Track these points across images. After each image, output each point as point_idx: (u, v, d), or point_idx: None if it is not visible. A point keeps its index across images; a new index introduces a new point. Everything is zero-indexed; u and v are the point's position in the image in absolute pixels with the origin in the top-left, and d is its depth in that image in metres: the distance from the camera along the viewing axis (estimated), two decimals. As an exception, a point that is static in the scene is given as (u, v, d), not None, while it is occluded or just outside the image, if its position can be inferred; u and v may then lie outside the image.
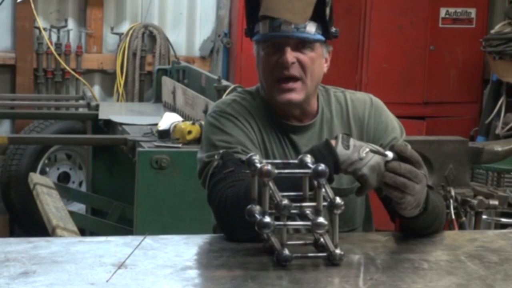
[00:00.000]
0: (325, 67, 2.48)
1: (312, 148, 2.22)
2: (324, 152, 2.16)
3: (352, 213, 2.48)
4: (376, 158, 2.14)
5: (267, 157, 2.42)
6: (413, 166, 2.10)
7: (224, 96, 4.78)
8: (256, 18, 2.40)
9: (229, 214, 2.23)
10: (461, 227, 4.10)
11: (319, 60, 2.43)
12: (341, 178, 2.45)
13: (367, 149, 2.14)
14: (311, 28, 2.37)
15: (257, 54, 2.45)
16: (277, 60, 2.38)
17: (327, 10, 2.39)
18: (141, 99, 6.92)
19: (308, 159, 2.11)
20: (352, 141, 2.17)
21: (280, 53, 2.38)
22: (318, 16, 2.38)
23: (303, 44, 2.39)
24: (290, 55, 2.37)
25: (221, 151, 2.33)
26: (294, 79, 2.39)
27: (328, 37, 2.42)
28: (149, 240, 2.16)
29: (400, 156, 2.10)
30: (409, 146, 2.48)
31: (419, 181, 2.10)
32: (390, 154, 2.09)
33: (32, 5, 6.65)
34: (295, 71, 2.38)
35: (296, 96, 2.40)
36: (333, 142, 2.18)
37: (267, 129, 2.46)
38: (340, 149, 2.16)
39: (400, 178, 2.08)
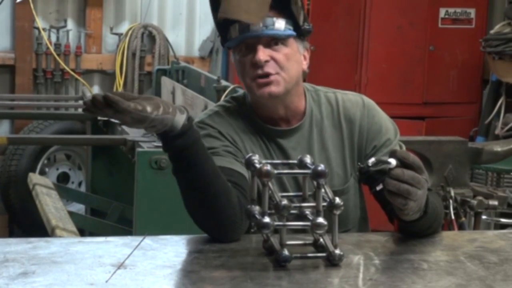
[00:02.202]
0: (304, 64, 2.46)
1: None
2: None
3: (345, 214, 2.47)
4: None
5: None
6: (415, 172, 2.10)
7: (223, 97, 4.79)
8: (225, 26, 2.40)
9: (195, 220, 2.28)
10: (461, 227, 4.10)
11: (295, 56, 2.42)
12: (332, 179, 2.45)
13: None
14: (280, 25, 2.37)
15: (234, 60, 2.45)
16: (251, 60, 2.38)
17: (296, 5, 2.39)
18: (140, 99, 6.90)
19: (308, 159, 2.11)
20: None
21: (253, 52, 2.37)
22: (285, 12, 2.38)
23: (275, 41, 2.38)
24: (263, 54, 2.36)
25: None
26: (271, 75, 2.39)
27: (300, 32, 2.42)
28: (148, 241, 2.16)
29: (402, 163, 2.10)
30: (403, 148, 2.49)
31: (421, 187, 2.10)
32: (393, 162, 2.09)
33: (32, 5, 6.65)
34: (270, 68, 2.37)
35: (275, 88, 2.38)
36: None
37: (252, 137, 2.45)
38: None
39: (404, 185, 2.08)
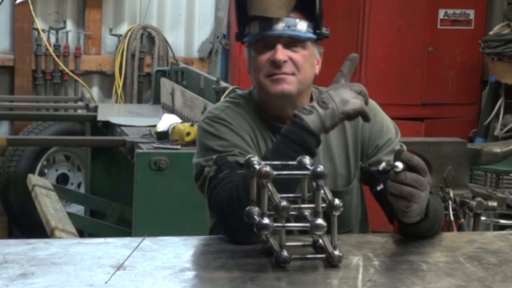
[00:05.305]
0: (317, 68, 2.48)
1: (283, 132, 2.26)
2: (297, 131, 2.23)
3: (347, 214, 2.47)
4: (340, 92, 2.24)
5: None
6: (418, 175, 2.10)
7: (222, 98, 4.79)
8: (246, 21, 2.40)
9: (227, 218, 2.23)
10: (460, 228, 4.10)
11: (311, 59, 2.43)
12: (336, 180, 2.45)
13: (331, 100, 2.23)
14: (302, 27, 2.38)
15: (249, 56, 2.45)
16: (269, 59, 2.38)
17: (317, 9, 2.39)
18: (139, 101, 6.91)
19: (307, 160, 2.11)
20: (315, 103, 2.25)
21: (272, 51, 2.38)
22: (307, 15, 2.39)
23: (294, 42, 2.39)
24: (282, 54, 2.37)
25: (214, 156, 2.33)
26: (287, 75, 2.40)
27: (319, 36, 2.43)
28: (147, 242, 2.16)
29: (407, 165, 2.10)
30: (404, 148, 2.49)
31: (424, 189, 2.11)
32: (400, 165, 2.09)
33: (31, 7, 6.64)
34: (287, 68, 2.38)
35: (288, 87, 2.38)
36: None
37: (262, 133, 2.45)
38: (308, 118, 2.22)
39: (406, 188, 2.08)
